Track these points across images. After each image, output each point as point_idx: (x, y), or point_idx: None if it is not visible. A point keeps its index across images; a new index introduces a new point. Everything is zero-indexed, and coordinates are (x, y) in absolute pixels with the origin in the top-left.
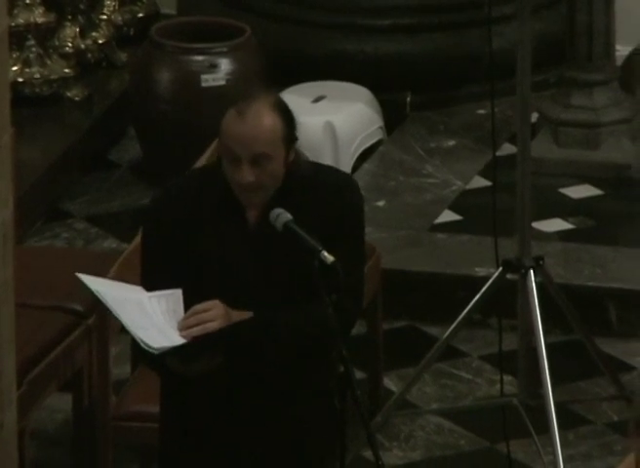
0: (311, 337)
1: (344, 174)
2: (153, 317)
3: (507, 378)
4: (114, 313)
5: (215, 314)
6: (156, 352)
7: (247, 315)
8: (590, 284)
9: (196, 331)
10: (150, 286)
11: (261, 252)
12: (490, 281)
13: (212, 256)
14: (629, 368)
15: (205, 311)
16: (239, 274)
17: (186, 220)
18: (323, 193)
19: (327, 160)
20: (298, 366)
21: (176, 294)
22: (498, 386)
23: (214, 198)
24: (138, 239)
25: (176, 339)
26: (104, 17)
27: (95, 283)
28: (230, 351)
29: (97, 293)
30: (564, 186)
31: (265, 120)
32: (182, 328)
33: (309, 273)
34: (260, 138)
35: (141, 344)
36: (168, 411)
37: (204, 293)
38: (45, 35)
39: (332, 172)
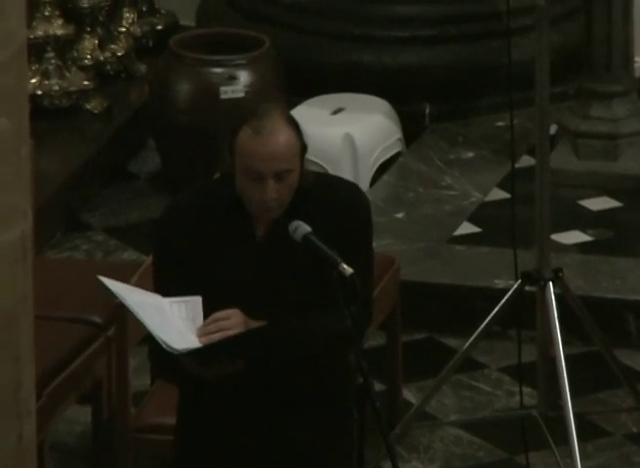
0: (327, 343)
1: (351, 183)
2: (173, 322)
3: (527, 390)
4: (136, 315)
5: (234, 322)
6: (177, 353)
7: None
8: (609, 295)
9: (216, 338)
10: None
11: (269, 265)
12: (509, 293)
13: (220, 271)
14: None
15: (225, 319)
16: (247, 288)
17: (194, 235)
18: (331, 204)
19: (346, 172)
20: (314, 376)
21: (195, 301)
22: (517, 398)
23: (221, 212)
24: None
25: (196, 344)
26: (123, 29)
27: (116, 286)
28: (248, 355)
29: (118, 296)
30: (583, 198)
31: (283, 136)
32: (202, 334)
33: (319, 286)
34: (282, 155)
35: (163, 346)
36: (184, 423)
37: (214, 307)
38: (64, 47)
39: (338, 182)
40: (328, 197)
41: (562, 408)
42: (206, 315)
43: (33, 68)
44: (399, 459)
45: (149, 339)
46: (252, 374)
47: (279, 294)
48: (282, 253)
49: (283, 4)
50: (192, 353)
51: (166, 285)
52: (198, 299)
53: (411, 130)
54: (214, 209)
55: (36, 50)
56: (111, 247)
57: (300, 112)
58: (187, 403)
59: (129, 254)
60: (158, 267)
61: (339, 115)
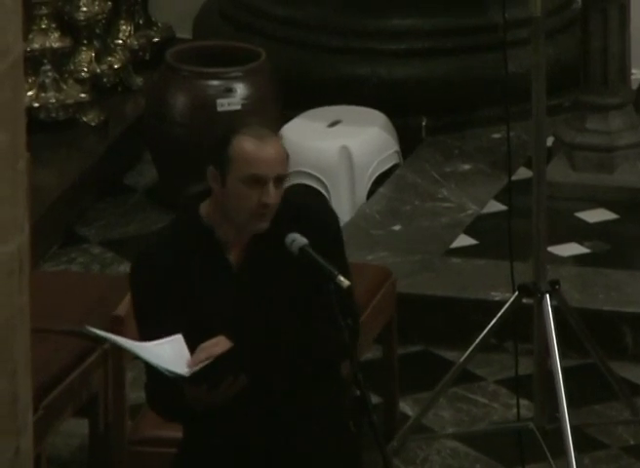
0: (322, 347)
1: (314, 197)
2: (165, 359)
3: (524, 402)
4: (135, 353)
5: (223, 348)
6: (186, 377)
7: None
8: (606, 308)
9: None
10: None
11: (248, 289)
12: (506, 305)
13: (201, 304)
14: None
15: (213, 346)
16: (230, 316)
17: (170, 274)
18: (301, 223)
19: (343, 185)
20: (312, 394)
21: (177, 339)
22: (514, 410)
23: (193, 246)
24: None
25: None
26: (120, 41)
27: (105, 334)
28: (248, 364)
29: (111, 340)
30: (579, 210)
31: (278, 143)
32: (194, 364)
33: (300, 303)
34: (281, 160)
35: (169, 375)
36: (187, 452)
37: (201, 339)
38: (61, 60)
39: (300, 198)
40: (295, 214)
41: (559, 420)
42: (194, 348)
43: (30, 81)
44: None
45: (148, 384)
46: (254, 392)
47: (261, 317)
48: (258, 276)
49: (278, 18)
50: (198, 373)
51: (151, 328)
52: (179, 337)
53: (407, 142)
54: (185, 244)
55: (33, 63)
56: (108, 260)
57: (296, 125)
58: (191, 434)
59: (125, 267)
60: (140, 313)
61: (335, 128)
